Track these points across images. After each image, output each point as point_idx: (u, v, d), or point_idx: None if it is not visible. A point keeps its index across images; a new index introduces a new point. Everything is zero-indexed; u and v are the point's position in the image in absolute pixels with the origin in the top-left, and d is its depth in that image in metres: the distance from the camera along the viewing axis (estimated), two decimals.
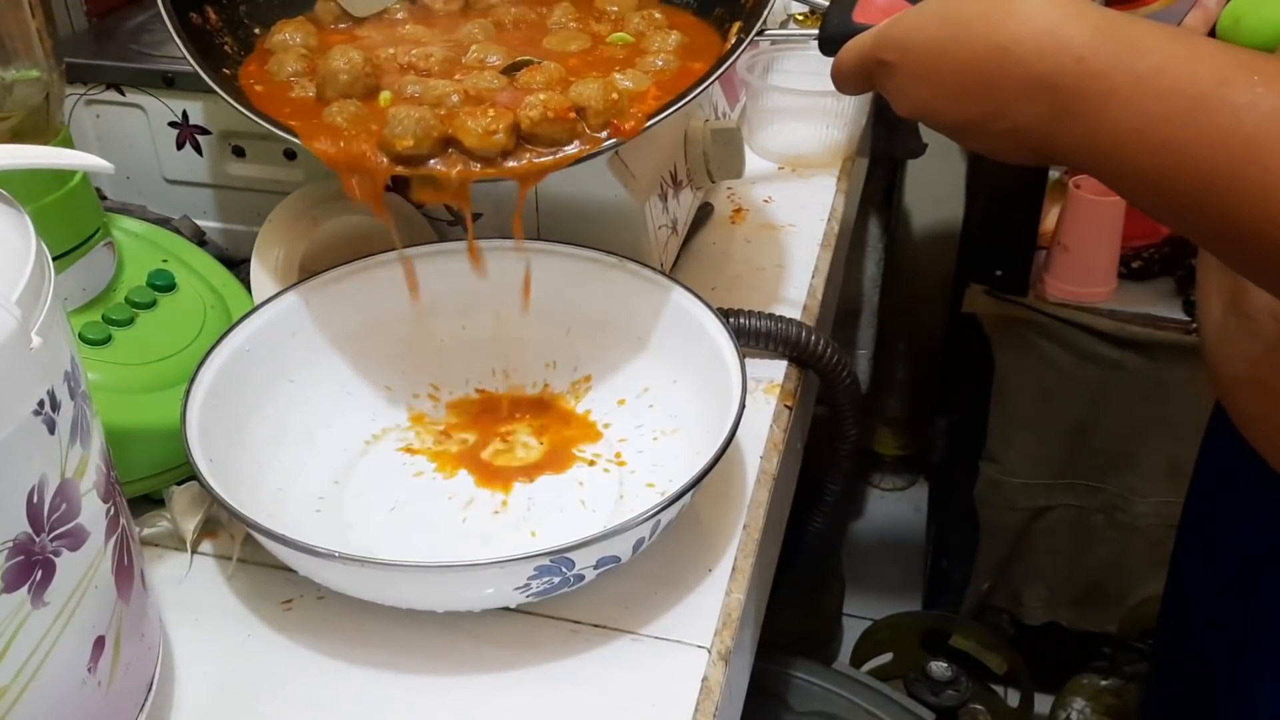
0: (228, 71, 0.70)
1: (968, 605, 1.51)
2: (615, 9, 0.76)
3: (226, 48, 0.73)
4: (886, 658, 1.49)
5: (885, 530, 1.90)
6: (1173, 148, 0.47)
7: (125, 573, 0.50)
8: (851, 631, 1.65)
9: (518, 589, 0.52)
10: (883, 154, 1.45)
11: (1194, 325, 1.26)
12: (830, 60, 0.64)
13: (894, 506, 1.98)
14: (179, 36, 0.68)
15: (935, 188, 1.83)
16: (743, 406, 0.58)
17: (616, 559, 0.54)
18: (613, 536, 0.51)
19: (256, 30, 0.75)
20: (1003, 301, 1.29)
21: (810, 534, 0.95)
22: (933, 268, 1.85)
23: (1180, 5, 1.32)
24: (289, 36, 0.72)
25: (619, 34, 0.73)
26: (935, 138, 1.52)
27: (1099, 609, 1.43)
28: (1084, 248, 1.27)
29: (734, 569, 0.63)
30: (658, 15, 0.75)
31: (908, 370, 1.91)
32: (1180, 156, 0.47)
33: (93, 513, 0.47)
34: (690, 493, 0.54)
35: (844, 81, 0.62)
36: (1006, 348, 1.31)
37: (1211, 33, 1.33)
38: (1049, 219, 1.32)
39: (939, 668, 1.28)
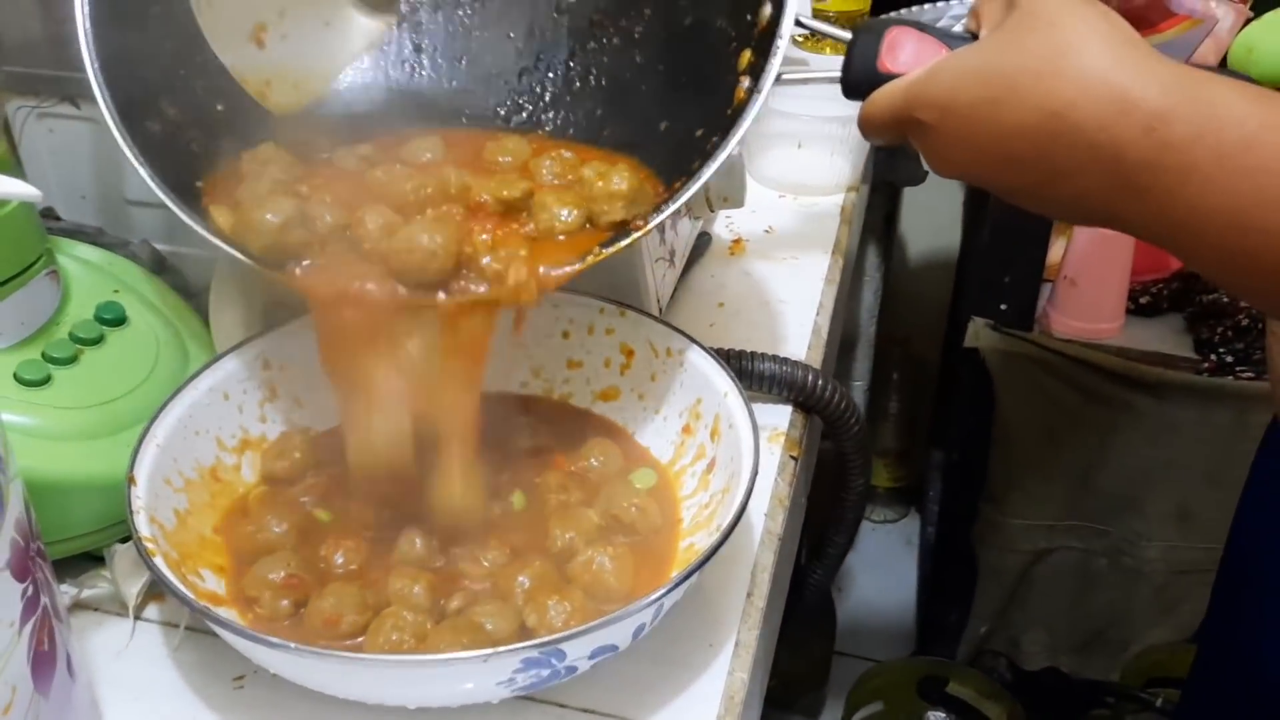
0: (202, 185, 0.62)
1: (964, 648, 1.45)
2: (509, 158, 0.66)
3: (194, 144, 0.64)
4: (878, 706, 1.43)
5: (877, 564, 1.84)
6: (1268, 231, 0.41)
7: (45, 660, 0.43)
8: (842, 670, 1.59)
9: (501, 684, 0.46)
10: (882, 180, 1.41)
11: (1205, 365, 1.21)
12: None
13: (886, 539, 1.93)
14: (141, 164, 0.59)
15: (932, 215, 1.78)
16: (755, 473, 0.53)
17: (614, 648, 0.48)
18: (611, 624, 0.45)
19: (220, 106, 0.66)
20: (1007, 337, 1.24)
21: (810, 586, 0.89)
22: (929, 296, 1.80)
23: (1193, 34, 1.29)
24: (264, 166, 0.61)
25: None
26: None
27: (1101, 656, 1.38)
28: (1091, 282, 1.22)
29: (737, 644, 0.57)
30: (566, 154, 0.65)
31: (902, 401, 1.85)
32: (1277, 240, 0.41)
33: (4, 596, 0.41)
34: (697, 573, 0.48)
35: (873, 134, 0.56)
36: (1010, 385, 1.26)
37: (1223, 62, 1.30)
38: (1054, 251, 1.27)
39: (936, 718, 1.22)
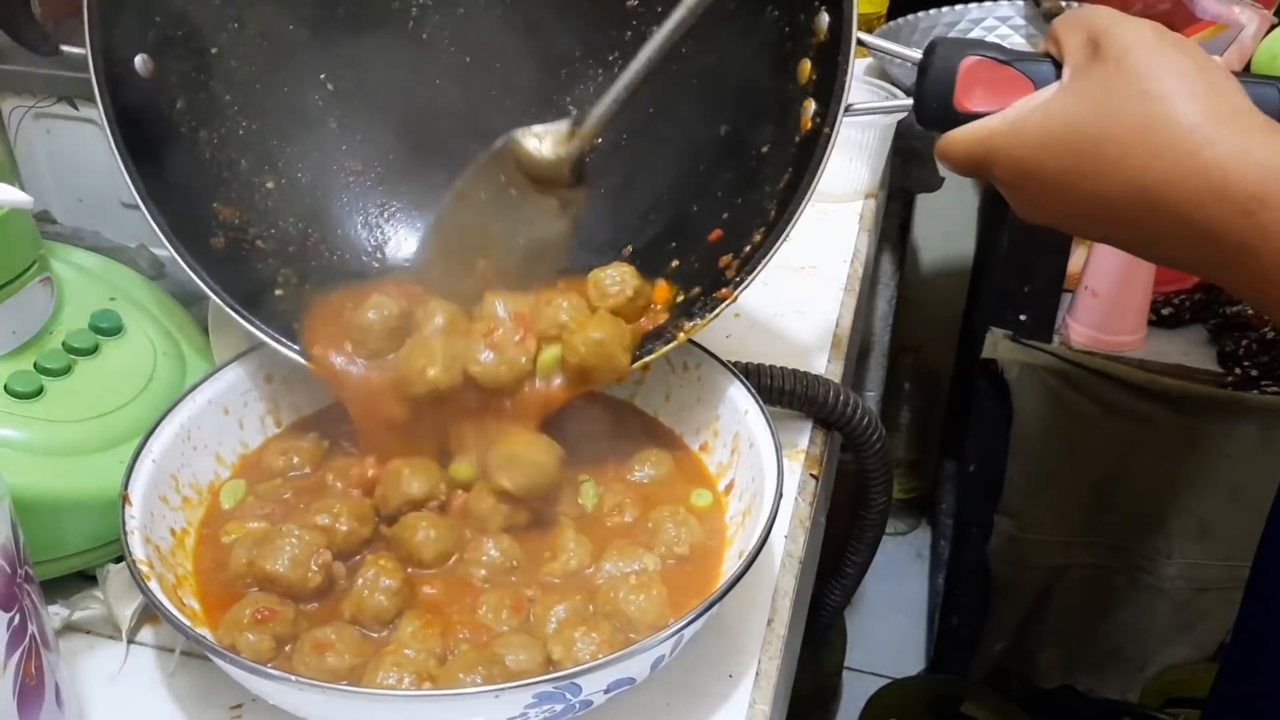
0: (281, 292, 0.62)
1: (978, 666, 1.42)
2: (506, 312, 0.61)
3: (260, 242, 0.63)
4: None
5: (886, 577, 1.81)
6: None
7: (32, 695, 0.41)
8: (851, 686, 1.57)
9: (513, 719, 0.43)
10: (898, 187, 1.38)
11: (1229, 379, 1.18)
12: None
13: (896, 551, 1.90)
14: (222, 297, 0.59)
15: (945, 221, 1.75)
16: (779, 496, 0.50)
17: (631, 680, 0.45)
18: (629, 658, 0.43)
19: (269, 184, 0.65)
20: (1026, 348, 1.21)
21: (826, 607, 0.87)
22: (942, 304, 1.77)
23: (1218, 41, 1.26)
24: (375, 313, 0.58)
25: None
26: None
27: (1119, 675, 1.35)
28: (1113, 293, 1.19)
29: (758, 674, 0.54)
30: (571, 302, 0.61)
31: (914, 410, 1.82)
32: None
33: None
34: (718, 604, 0.45)
35: (953, 169, 0.54)
36: (1028, 397, 1.23)
37: (1247, 68, 1.27)
38: (1074, 260, 1.24)
39: None
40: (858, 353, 1.55)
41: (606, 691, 0.45)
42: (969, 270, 1.73)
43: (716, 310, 0.57)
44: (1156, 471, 1.22)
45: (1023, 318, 1.22)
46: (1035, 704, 1.39)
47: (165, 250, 0.74)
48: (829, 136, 0.56)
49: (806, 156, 0.57)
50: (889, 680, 1.53)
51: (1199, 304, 1.23)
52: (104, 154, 0.74)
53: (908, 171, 1.34)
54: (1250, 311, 1.20)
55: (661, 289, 0.62)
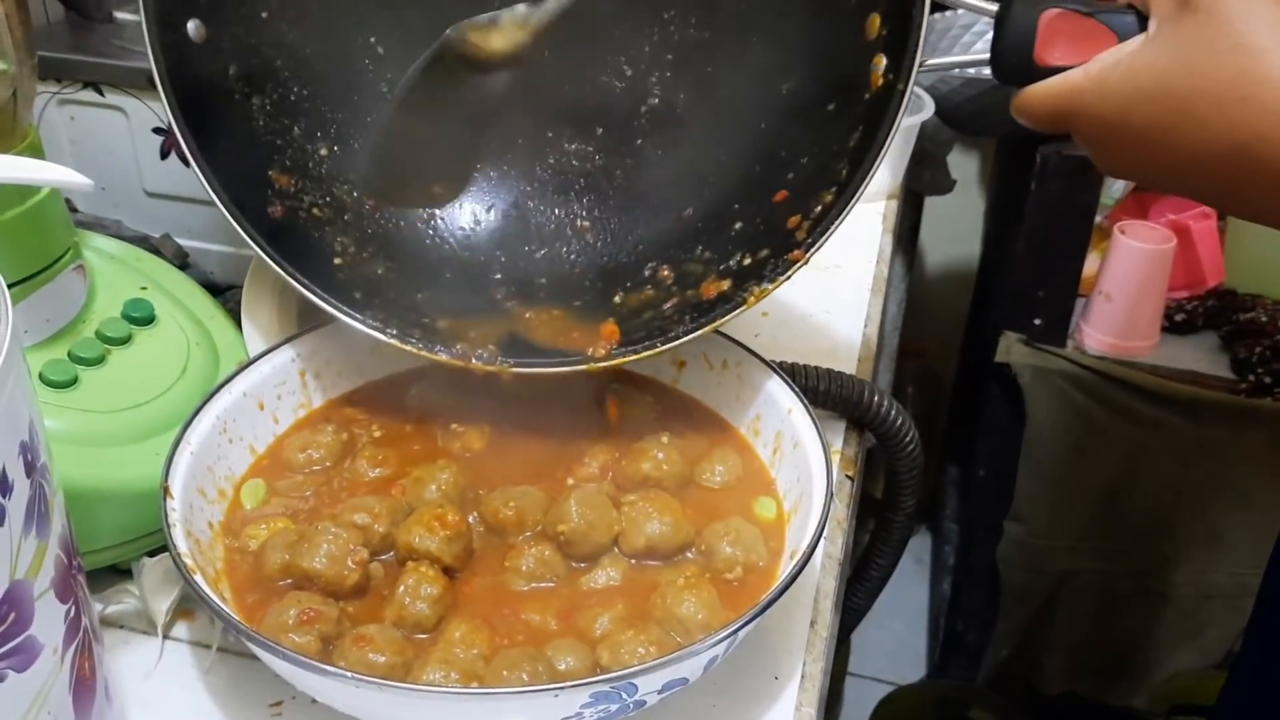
0: (340, 261, 0.61)
1: (983, 672, 1.42)
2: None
3: (316, 210, 0.62)
4: None
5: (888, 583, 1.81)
6: None
7: (86, 688, 0.40)
8: (852, 691, 1.56)
9: (567, 719, 0.42)
10: (909, 189, 1.38)
11: (1242, 386, 1.18)
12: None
13: None
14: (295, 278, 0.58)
15: (950, 224, 1.75)
16: (830, 496, 0.50)
17: (684, 681, 0.45)
18: (684, 660, 0.42)
19: (323, 150, 0.64)
20: (1039, 352, 1.21)
21: (850, 611, 0.86)
22: (945, 307, 1.77)
23: None
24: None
25: None
26: (962, 174, 1.44)
27: (1124, 681, 1.35)
28: (1128, 298, 1.19)
29: (803, 676, 0.54)
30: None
31: (917, 414, 1.81)
32: None
33: (48, 618, 0.38)
34: (773, 605, 0.45)
35: (1033, 125, 0.53)
36: (1041, 401, 1.23)
37: None
38: (1089, 265, 1.24)
39: None
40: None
41: (660, 692, 0.44)
42: (974, 274, 1.73)
43: (789, 273, 0.56)
44: (1167, 478, 1.22)
45: (1037, 322, 1.22)
46: (1040, 710, 1.39)
47: (191, 240, 0.75)
48: (903, 93, 0.54)
49: (878, 114, 0.56)
50: (890, 686, 1.53)
51: (1212, 310, 1.24)
52: (128, 141, 0.74)
53: (920, 174, 1.33)
54: (1264, 319, 1.20)
55: (609, 327, 0.61)
